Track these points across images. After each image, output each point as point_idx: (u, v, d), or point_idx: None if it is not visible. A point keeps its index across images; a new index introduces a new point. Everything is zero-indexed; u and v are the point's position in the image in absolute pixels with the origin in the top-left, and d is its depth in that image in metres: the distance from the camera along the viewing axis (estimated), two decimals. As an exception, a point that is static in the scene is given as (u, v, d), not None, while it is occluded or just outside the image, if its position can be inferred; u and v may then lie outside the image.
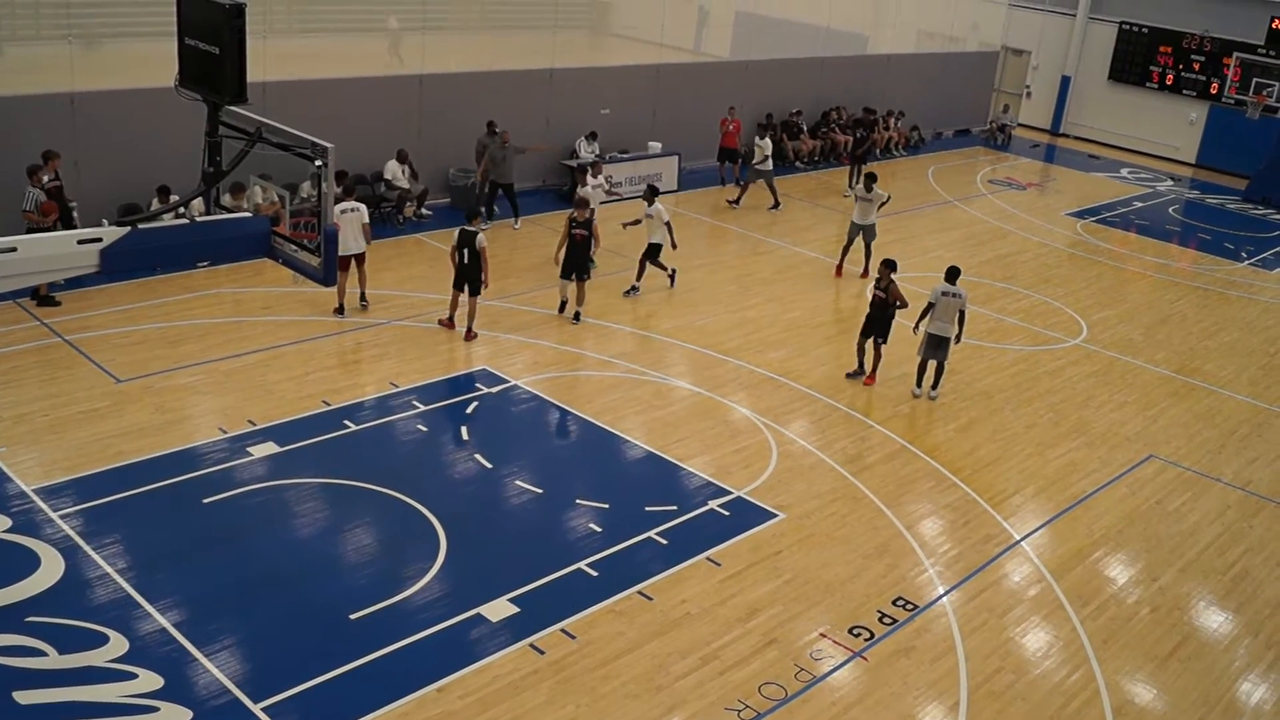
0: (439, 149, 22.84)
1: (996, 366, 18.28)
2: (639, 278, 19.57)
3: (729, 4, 31.87)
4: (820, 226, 25.22)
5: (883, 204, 21.68)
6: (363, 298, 17.56)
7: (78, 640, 9.96)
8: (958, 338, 16.51)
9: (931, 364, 16.59)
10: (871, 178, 21.67)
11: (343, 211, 16.52)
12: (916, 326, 16.69)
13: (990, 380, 17.70)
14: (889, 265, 16.71)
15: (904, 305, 16.62)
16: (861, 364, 17.01)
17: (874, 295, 16.68)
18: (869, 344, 16.82)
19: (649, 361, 16.93)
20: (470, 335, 16.97)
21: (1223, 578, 13.05)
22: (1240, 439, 16.73)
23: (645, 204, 19.57)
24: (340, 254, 15.86)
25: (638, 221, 19.68)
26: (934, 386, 16.69)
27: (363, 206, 17.27)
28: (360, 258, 17.20)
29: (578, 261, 17.86)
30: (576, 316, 18.02)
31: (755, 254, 22.55)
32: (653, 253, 19.59)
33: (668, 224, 19.45)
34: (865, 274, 21.43)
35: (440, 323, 17.24)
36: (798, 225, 24.90)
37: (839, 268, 21.84)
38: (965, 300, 16.38)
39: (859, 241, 21.67)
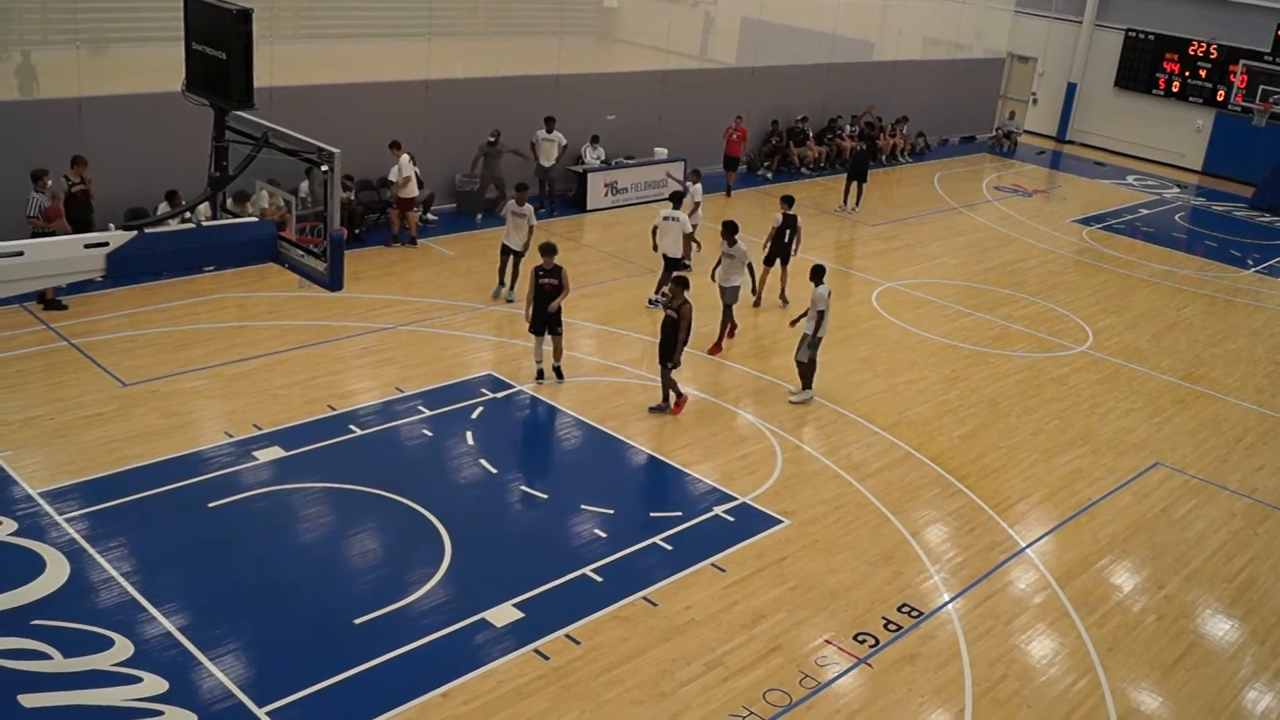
0: (445, 154, 22.87)
1: (1002, 373, 18.26)
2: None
3: (735, 10, 31.90)
4: (824, 233, 25.22)
5: (750, 264, 18.09)
6: (413, 240, 21.18)
7: (83, 643, 9.96)
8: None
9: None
10: (731, 228, 17.85)
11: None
12: (817, 338, 15.98)
13: (996, 387, 17.68)
14: (681, 284, 15.09)
15: (685, 340, 15.09)
16: (666, 396, 15.49)
17: (666, 316, 15.10)
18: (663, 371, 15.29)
19: (654, 367, 16.90)
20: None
21: (1229, 585, 13.02)
22: (1246, 446, 16.70)
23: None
24: (403, 197, 20.87)
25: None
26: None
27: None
28: (411, 202, 21.06)
29: (550, 315, 15.81)
30: (558, 372, 16.08)
31: (759, 260, 22.52)
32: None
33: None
34: (716, 348, 17.74)
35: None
36: (804, 231, 24.84)
37: (717, 344, 17.77)
38: None
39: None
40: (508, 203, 19.06)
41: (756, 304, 19.87)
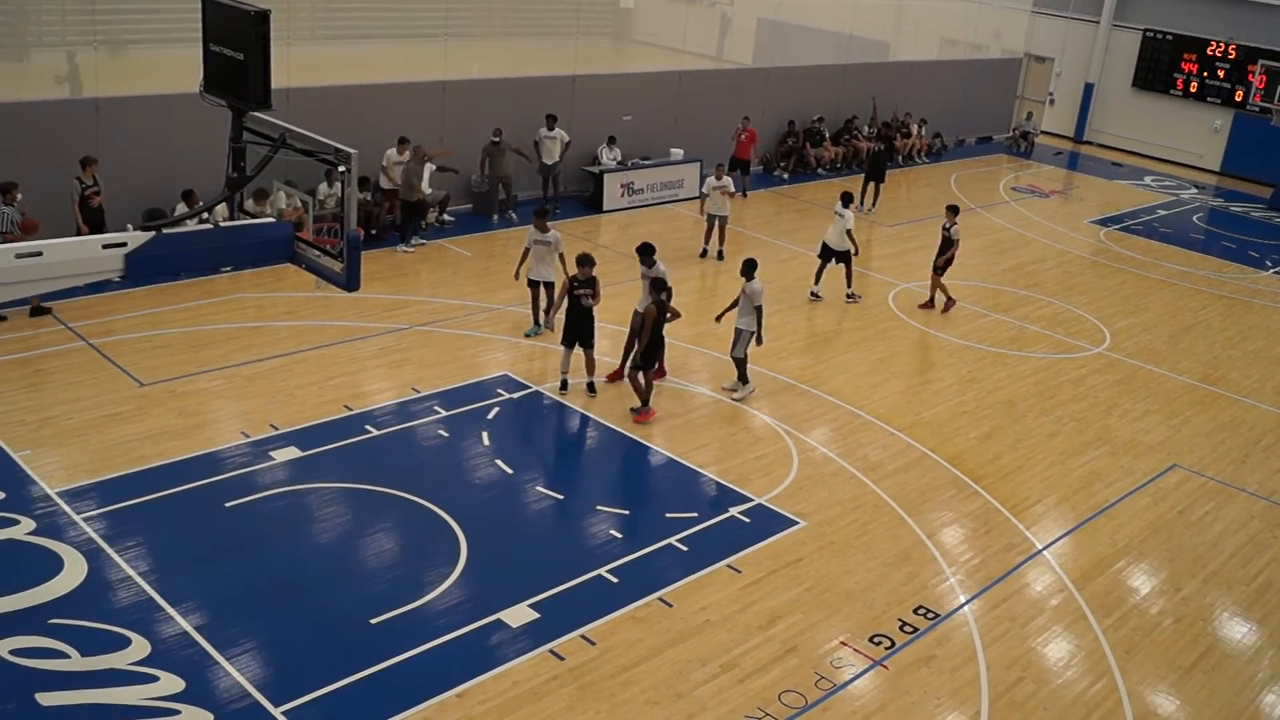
0: (462, 155, 22.87)
1: (1019, 375, 18.20)
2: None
3: (751, 11, 31.89)
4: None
5: (669, 296, 15.35)
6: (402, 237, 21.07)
7: (100, 642, 10.01)
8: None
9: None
10: (649, 249, 16.03)
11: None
12: (759, 334, 15.90)
13: (1012, 388, 17.63)
14: (658, 286, 15.04)
15: (646, 341, 14.92)
16: (644, 399, 15.22)
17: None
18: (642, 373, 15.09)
19: (669, 368, 16.88)
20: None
21: (1246, 588, 12.96)
22: (1265, 448, 16.61)
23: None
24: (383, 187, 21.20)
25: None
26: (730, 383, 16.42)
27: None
28: (424, 204, 21.29)
29: (584, 328, 15.42)
30: (590, 387, 15.73)
31: (776, 261, 22.51)
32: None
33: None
34: (617, 375, 16.25)
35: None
36: (820, 232, 24.75)
37: (618, 372, 16.27)
38: None
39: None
40: (529, 229, 17.39)
41: (929, 305, 20.77)
